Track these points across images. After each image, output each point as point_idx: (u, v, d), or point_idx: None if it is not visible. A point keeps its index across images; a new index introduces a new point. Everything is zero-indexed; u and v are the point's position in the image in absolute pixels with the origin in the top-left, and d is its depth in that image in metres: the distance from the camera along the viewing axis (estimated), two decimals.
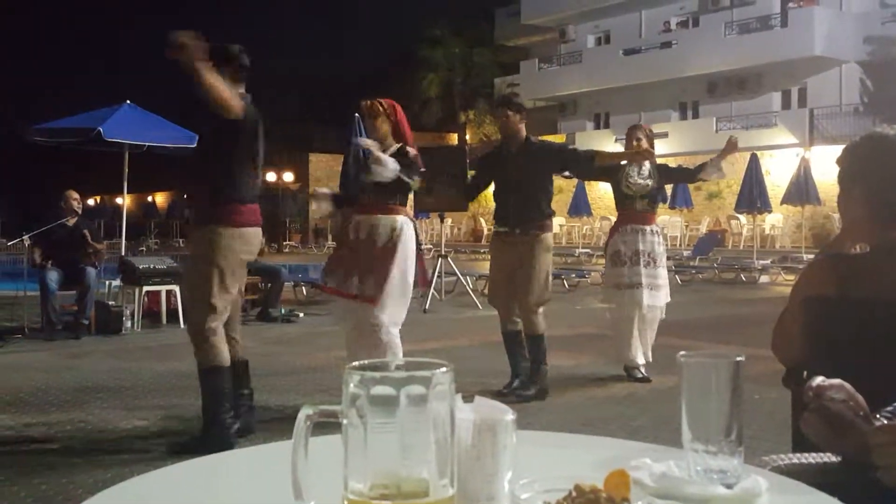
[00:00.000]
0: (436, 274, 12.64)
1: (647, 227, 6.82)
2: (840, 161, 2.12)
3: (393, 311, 5.26)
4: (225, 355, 4.71)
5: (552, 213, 6.26)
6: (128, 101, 11.07)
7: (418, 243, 5.40)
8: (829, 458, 1.70)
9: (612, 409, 5.89)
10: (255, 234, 4.80)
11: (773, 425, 4.79)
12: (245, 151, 4.76)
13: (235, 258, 4.71)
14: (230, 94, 4.49)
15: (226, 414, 4.68)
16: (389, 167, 5.09)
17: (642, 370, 6.78)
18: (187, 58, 4.22)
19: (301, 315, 10.99)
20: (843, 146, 2.18)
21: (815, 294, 2.01)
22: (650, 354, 6.82)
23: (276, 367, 7.37)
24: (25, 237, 9.54)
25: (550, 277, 6.18)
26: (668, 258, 21.61)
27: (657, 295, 6.77)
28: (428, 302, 11.90)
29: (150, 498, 1.14)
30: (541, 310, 6.10)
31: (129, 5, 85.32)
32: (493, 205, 6.34)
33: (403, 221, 5.32)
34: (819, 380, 1.52)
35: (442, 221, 14.42)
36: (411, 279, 5.35)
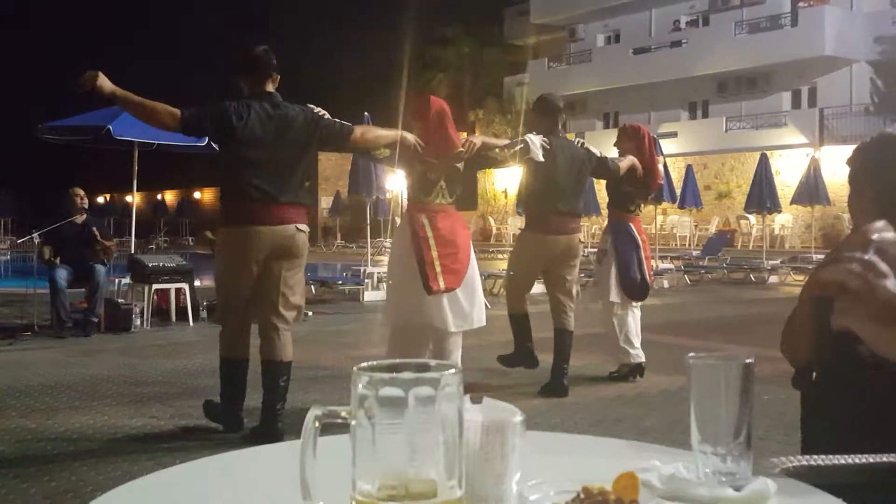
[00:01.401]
0: None
1: (606, 225, 7.06)
2: (850, 161, 2.11)
3: (388, 306, 5.47)
4: (231, 348, 4.91)
5: (527, 215, 6.53)
6: None
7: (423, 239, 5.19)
8: (840, 459, 1.69)
9: (621, 409, 5.88)
10: (247, 233, 4.72)
11: (781, 426, 4.78)
12: (222, 151, 4.85)
13: (231, 260, 4.83)
14: (158, 111, 4.63)
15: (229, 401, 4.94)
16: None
17: (624, 368, 6.82)
18: (101, 88, 4.47)
19: (310, 314, 11.00)
20: (853, 146, 2.17)
21: (826, 294, 1.99)
22: (618, 356, 6.81)
23: None
24: (35, 234, 9.58)
25: (510, 276, 6.65)
26: (678, 258, 21.51)
27: (592, 291, 7.08)
28: None
29: (159, 496, 1.14)
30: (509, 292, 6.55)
31: (140, 4, 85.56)
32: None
33: (404, 219, 5.43)
34: (869, 257, 1.33)
35: None
36: (402, 275, 5.28)
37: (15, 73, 69.07)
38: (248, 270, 4.76)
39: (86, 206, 9.58)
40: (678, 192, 19.41)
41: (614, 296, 6.60)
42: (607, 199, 7.05)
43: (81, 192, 9.54)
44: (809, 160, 20.51)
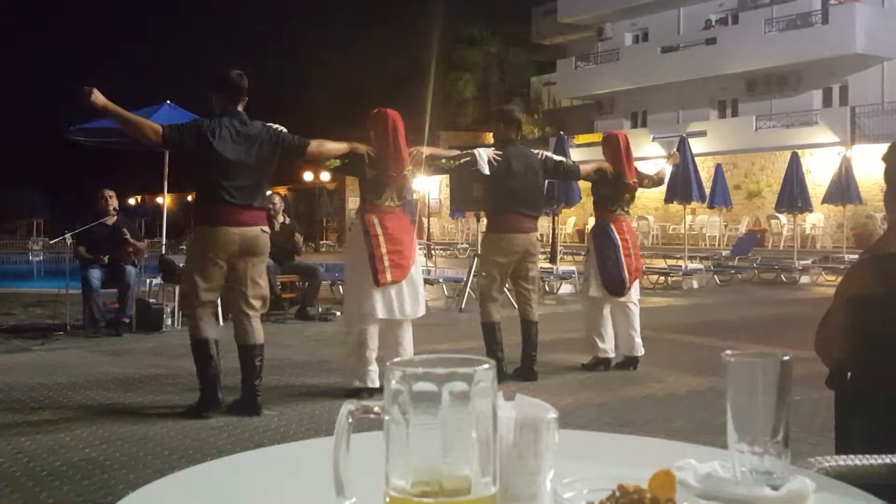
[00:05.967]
0: (472, 273, 12.63)
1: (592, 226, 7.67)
2: (886, 158, 2.09)
3: (348, 301, 6.10)
4: (201, 330, 5.57)
5: (487, 217, 7.10)
6: (168, 101, 11.14)
7: (374, 235, 5.89)
8: (876, 459, 1.67)
9: (650, 410, 5.84)
10: (219, 232, 5.37)
11: (814, 427, 4.73)
12: (198, 161, 5.42)
13: (204, 254, 5.44)
14: (142, 125, 5.36)
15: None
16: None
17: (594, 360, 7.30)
18: (94, 102, 5.14)
19: (338, 314, 11.02)
20: (885, 145, 2.14)
21: (861, 294, 1.97)
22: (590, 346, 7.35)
23: (314, 365, 7.41)
24: (67, 235, 9.67)
25: (482, 277, 6.98)
26: (706, 258, 21.38)
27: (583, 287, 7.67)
28: (464, 301, 11.90)
29: (190, 495, 1.14)
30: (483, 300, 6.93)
31: (169, 9, 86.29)
32: None
33: (354, 218, 6.16)
34: None
35: (478, 221, 14.39)
36: (357, 273, 5.97)
37: (47, 74, 69.87)
38: (217, 264, 5.43)
39: (116, 208, 9.66)
40: (707, 191, 19.22)
41: (594, 291, 7.21)
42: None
43: (111, 193, 9.61)
44: (841, 159, 20.26)
